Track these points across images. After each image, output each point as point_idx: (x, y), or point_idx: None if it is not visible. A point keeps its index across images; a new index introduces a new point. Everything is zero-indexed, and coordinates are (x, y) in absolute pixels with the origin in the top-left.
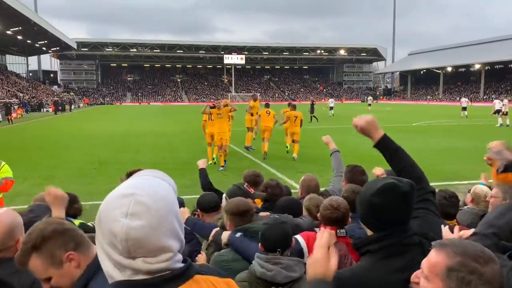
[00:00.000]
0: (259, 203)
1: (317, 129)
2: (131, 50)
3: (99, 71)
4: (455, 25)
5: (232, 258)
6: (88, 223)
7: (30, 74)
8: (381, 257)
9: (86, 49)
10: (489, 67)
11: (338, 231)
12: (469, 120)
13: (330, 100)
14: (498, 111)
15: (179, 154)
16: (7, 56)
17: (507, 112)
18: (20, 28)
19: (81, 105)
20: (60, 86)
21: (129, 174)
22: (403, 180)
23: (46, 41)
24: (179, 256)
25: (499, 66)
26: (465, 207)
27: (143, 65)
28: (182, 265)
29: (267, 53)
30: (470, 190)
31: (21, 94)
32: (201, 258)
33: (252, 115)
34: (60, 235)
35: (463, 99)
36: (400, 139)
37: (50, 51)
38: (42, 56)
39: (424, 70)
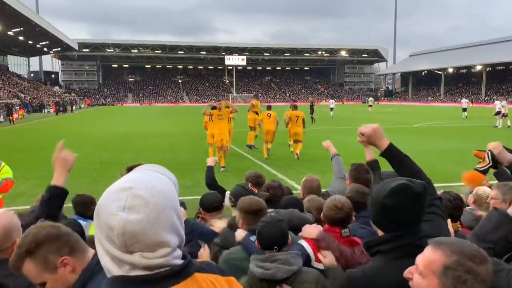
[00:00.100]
0: None
1: (318, 130)
2: (132, 51)
3: (101, 72)
4: (456, 26)
5: (243, 257)
6: None
7: (32, 75)
8: (393, 257)
9: (88, 50)
10: (490, 69)
11: (342, 231)
12: (471, 121)
13: (331, 101)
14: (498, 113)
15: (180, 155)
16: (9, 56)
17: (507, 113)
18: (21, 29)
19: (82, 106)
20: (61, 87)
21: (129, 169)
22: (416, 181)
23: (47, 42)
24: (178, 252)
25: (501, 67)
26: (467, 208)
27: (144, 66)
28: (181, 261)
29: (268, 54)
30: (472, 191)
31: (22, 95)
32: (204, 254)
33: (257, 113)
34: (54, 239)
35: (463, 100)
36: (401, 140)
37: (51, 52)
38: (43, 57)
39: (426, 71)
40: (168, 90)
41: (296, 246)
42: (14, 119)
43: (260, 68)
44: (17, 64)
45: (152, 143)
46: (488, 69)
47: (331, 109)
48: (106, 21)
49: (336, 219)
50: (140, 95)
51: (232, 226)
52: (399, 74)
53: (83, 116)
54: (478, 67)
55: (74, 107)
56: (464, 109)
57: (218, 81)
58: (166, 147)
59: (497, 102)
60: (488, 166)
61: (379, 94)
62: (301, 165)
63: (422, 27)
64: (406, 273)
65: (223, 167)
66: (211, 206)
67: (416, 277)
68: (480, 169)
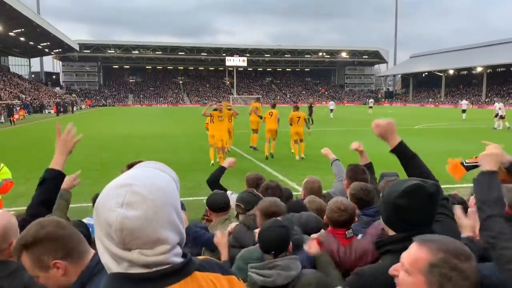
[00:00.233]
0: None
1: (318, 131)
2: (133, 52)
3: (101, 73)
4: (457, 28)
5: (260, 256)
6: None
7: (33, 75)
8: None
9: (89, 51)
10: (491, 70)
11: (346, 232)
12: (471, 122)
13: (331, 102)
14: (497, 114)
15: (181, 156)
16: (10, 57)
17: (504, 115)
18: (22, 29)
19: (83, 106)
20: (62, 87)
21: (130, 166)
22: (428, 182)
23: (48, 43)
24: (178, 250)
25: (501, 69)
26: (469, 210)
27: (145, 67)
28: (181, 259)
29: (269, 55)
30: (473, 193)
31: (23, 96)
32: (221, 234)
33: (261, 117)
34: (52, 240)
35: (463, 102)
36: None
37: (52, 52)
38: (44, 57)
39: (426, 73)
40: (168, 91)
41: (302, 253)
42: (14, 119)
43: (261, 69)
44: (18, 65)
45: (152, 144)
46: (488, 70)
47: (331, 110)
48: (107, 22)
49: (340, 221)
50: (141, 96)
51: (245, 224)
52: (399, 75)
53: (83, 117)
54: (479, 69)
55: (75, 108)
56: (464, 111)
57: (219, 82)
58: (167, 148)
59: (496, 104)
60: (476, 164)
61: (379, 96)
62: (302, 166)
63: (422, 29)
64: (392, 270)
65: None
66: (218, 207)
67: (402, 274)
68: (466, 163)
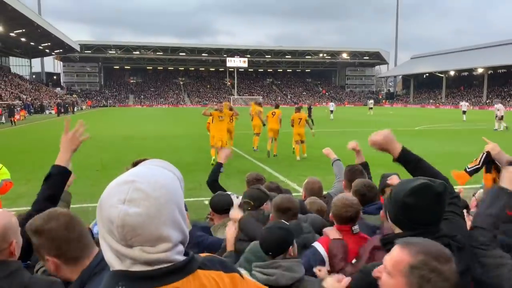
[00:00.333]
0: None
1: (318, 132)
2: (134, 52)
3: (102, 74)
4: (458, 29)
5: None
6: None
7: (33, 76)
8: None
9: (89, 51)
10: (492, 71)
11: (352, 228)
12: (472, 124)
13: (331, 103)
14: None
15: (182, 156)
16: (11, 58)
17: (501, 116)
18: (23, 30)
19: (83, 107)
20: (63, 88)
21: (135, 164)
22: (437, 181)
23: (49, 43)
24: (180, 248)
25: (502, 70)
26: (470, 211)
27: (146, 67)
28: (183, 258)
29: (269, 56)
30: (474, 194)
31: (24, 96)
32: (235, 214)
33: (264, 124)
34: (48, 239)
35: (463, 103)
36: (403, 143)
37: (53, 53)
38: (45, 58)
39: (427, 74)
40: (169, 92)
41: (310, 249)
42: (15, 120)
43: (262, 70)
44: (19, 65)
45: (153, 144)
46: (489, 72)
47: (331, 111)
48: (108, 22)
49: (347, 217)
50: (142, 96)
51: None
52: (400, 76)
53: (84, 118)
54: (480, 70)
55: (75, 109)
56: (464, 112)
57: (220, 83)
58: (168, 149)
59: (495, 105)
60: (476, 167)
61: (380, 97)
62: (302, 167)
63: (423, 30)
64: (375, 272)
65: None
66: (221, 208)
67: (384, 276)
68: (468, 169)
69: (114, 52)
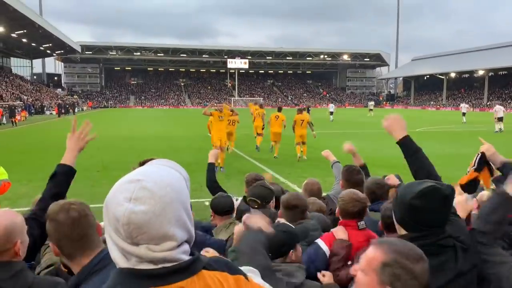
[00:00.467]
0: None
1: (318, 133)
2: (135, 53)
3: (103, 75)
4: (458, 31)
5: None
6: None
7: (35, 77)
8: None
9: (90, 52)
10: (492, 73)
11: (358, 223)
12: (473, 125)
13: (331, 105)
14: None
15: (182, 157)
16: (12, 59)
17: (499, 117)
18: (25, 31)
19: (84, 108)
20: (64, 89)
21: (142, 163)
22: (444, 184)
23: (50, 44)
24: (186, 247)
25: (503, 72)
26: (471, 213)
27: (146, 68)
28: (189, 257)
29: (270, 57)
30: (476, 196)
31: (25, 97)
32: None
33: (263, 128)
34: (54, 229)
35: (463, 105)
36: None
37: (54, 54)
38: (46, 59)
39: (428, 76)
40: (170, 93)
41: (313, 245)
42: (16, 121)
43: (262, 71)
44: (20, 66)
45: (154, 145)
46: (490, 74)
47: (331, 113)
48: (109, 24)
49: (353, 212)
50: (142, 97)
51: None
52: (401, 78)
53: (85, 118)
54: (480, 72)
55: (76, 110)
56: (464, 114)
57: (220, 84)
58: (168, 150)
59: (495, 107)
60: (472, 168)
61: (381, 98)
62: (302, 168)
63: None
64: (352, 270)
65: (222, 167)
66: (222, 210)
67: (359, 274)
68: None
69: (115, 53)
